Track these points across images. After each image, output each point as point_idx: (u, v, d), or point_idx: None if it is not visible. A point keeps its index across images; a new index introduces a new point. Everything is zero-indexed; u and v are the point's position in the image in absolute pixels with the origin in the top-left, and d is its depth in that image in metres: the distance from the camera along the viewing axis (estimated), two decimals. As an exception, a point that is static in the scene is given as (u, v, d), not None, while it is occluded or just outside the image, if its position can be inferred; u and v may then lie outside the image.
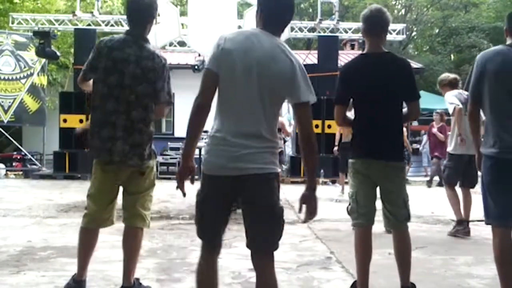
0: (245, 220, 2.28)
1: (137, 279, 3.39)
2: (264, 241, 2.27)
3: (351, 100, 3.19)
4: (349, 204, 3.22)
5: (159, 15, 11.62)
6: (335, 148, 9.48)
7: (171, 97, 3.14)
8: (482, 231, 5.39)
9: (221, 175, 2.23)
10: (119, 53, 3.04)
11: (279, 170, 2.25)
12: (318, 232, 5.57)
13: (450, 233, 5.50)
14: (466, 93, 5.54)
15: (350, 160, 3.21)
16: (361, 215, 3.13)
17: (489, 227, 3.04)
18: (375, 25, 3.12)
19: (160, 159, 11.93)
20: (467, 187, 5.54)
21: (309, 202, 2.25)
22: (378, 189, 3.17)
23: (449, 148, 5.64)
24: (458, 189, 5.60)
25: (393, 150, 3.13)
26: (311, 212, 2.27)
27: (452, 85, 5.71)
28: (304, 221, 2.39)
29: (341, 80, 3.19)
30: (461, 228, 5.43)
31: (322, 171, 10.58)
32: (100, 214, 3.18)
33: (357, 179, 3.17)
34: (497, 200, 2.94)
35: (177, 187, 2.35)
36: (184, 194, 2.33)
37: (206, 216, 2.32)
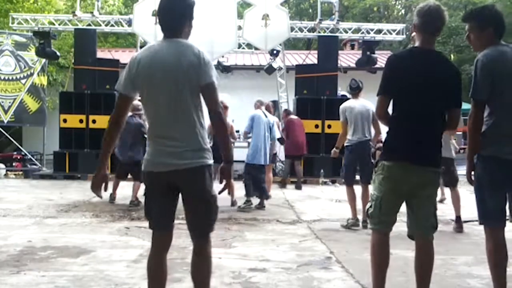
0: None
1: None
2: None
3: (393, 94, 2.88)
4: (370, 206, 2.97)
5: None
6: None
7: None
8: (482, 231, 5.37)
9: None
10: None
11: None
12: (318, 232, 5.56)
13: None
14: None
15: (384, 162, 2.88)
16: (382, 222, 2.92)
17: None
18: (433, 23, 2.89)
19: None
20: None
21: (223, 172, 2.53)
22: (408, 195, 2.88)
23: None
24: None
25: (435, 154, 2.88)
26: (224, 178, 2.54)
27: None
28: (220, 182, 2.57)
29: (387, 69, 2.92)
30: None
31: (322, 171, 10.57)
32: None
33: (387, 184, 2.87)
34: (489, 200, 2.93)
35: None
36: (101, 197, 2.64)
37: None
